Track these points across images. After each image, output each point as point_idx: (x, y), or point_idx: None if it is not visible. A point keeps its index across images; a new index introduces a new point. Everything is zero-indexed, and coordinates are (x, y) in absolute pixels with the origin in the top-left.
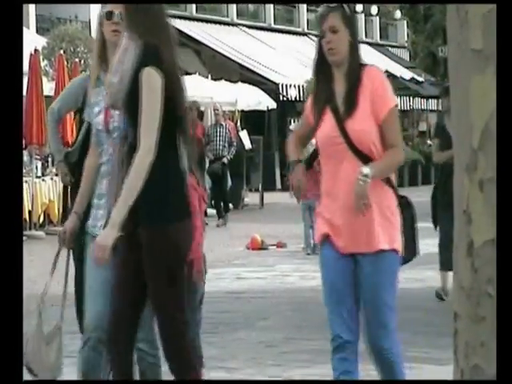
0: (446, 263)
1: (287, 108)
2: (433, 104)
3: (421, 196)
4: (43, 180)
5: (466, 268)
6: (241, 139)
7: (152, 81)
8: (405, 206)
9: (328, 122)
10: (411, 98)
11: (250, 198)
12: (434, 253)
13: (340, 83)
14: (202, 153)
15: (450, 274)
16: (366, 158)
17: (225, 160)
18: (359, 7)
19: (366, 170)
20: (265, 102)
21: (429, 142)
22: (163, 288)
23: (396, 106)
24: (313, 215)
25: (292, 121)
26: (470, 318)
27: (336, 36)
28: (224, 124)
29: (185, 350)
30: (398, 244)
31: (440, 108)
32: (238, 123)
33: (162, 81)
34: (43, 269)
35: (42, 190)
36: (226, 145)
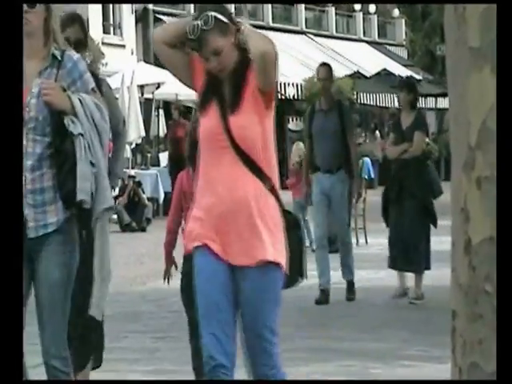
0: (392, 262)
1: (285, 106)
2: (431, 102)
3: None
4: None
5: (464, 266)
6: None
7: None
8: (292, 224)
9: (212, 116)
10: None
11: None
12: (432, 251)
13: (227, 81)
14: (180, 153)
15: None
16: (248, 160)
17: None
18: (357, 6)
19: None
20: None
21: (426, 139)
22: None
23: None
24: (305, 214)
25: (290, 119)
26: (467, 316)
27: (221, 57)
28: None
29: None
30: (283, 259)
31: (439, 106)
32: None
33: None
34: None
35: None
36: None
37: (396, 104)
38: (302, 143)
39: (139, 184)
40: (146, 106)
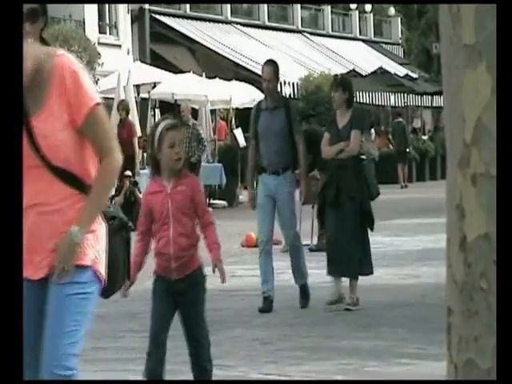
0: (331, 267)
1: None
2: (427, 100)
3: (415, 192)
4: None
5: (459, 263)
6: (235, 137)
7: None
8: (117, 228)
9: None
10: (405, 95)
11: (245, 196)
12: (429, 248)
13: (27, 82)
14: (127, 155)
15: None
16: (64, 175)
17: (193, 159)
18: (353, 5)
19: (74, 234)
20: (259, 100)
21: (424, 137)
22: None
23: (98, 103)
24: None
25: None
26: (463, 313)
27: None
28: (191, 124)
29: None
30: (99, 265)
31: (435, 104)
32: (233, 121)
33: None
34: None
35: None
36: (195, 144)
37: (392, 102)
38: None
39: (135, 183)
40: (142, 105)
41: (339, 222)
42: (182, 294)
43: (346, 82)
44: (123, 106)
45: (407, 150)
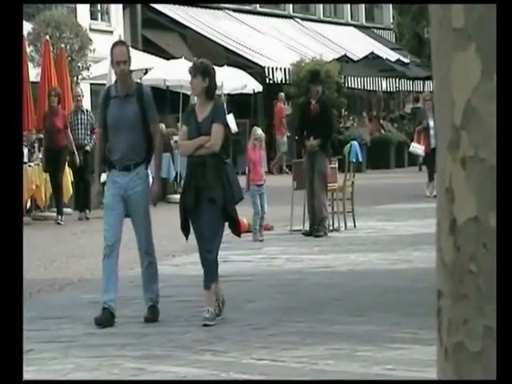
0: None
1: (273, 91)
2: (419, 85)
3: (407, 177)
4: (30, 166)
5: (449, 246)
6: (227, 123)
7: None
8: None
9: None
10: (397, 80)
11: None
12: (420, 233)
13: None
14: (58, 146)
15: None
16: None
17: (87, 148)
18: None
19: None
20: (251, 85)
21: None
22: None
23: None
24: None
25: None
26: (452, 296)
27: None
28: (85, 110)
29: None
30: None
31: (426, 89)
32: (224, 106)
33: None
34: (30, 254)
35: (28, 175)
36: (89, 132)
37: (384, 87)
38: (260, 128)
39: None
40: None
41: (200, 227)
42: None
43: (206, 69)
44: (56, 93)
45: None
